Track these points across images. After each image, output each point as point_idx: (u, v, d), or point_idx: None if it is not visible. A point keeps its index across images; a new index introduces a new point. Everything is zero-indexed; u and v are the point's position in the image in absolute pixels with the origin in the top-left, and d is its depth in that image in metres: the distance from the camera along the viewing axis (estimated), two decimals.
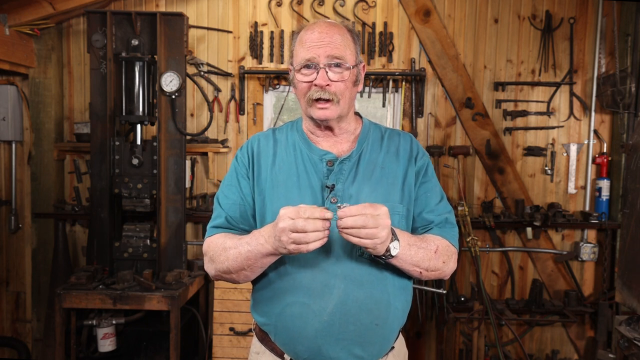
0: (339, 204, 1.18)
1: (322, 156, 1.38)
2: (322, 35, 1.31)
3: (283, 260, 1.32)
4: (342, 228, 1.15)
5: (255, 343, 1.47)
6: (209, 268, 1.38)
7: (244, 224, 1.41)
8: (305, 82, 1.33)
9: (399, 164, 1.40)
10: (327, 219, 1.14)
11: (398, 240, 1.23)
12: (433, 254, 1.31)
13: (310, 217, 1.13)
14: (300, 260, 1.30)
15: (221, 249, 1.33)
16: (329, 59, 1.30)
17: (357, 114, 1.50)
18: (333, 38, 1.32)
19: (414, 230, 1.42)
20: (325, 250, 1.28)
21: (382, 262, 1.31)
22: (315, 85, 1.31)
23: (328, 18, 3.43)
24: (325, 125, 1.38)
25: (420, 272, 1.31)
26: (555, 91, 3.48)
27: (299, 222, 1.13)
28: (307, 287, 1.29)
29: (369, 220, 1.14)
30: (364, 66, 1.43)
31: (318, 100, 1.32)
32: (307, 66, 1.32)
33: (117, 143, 3.06)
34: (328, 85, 1.30)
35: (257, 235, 1.25)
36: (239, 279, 1.34)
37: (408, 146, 1.44)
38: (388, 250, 1.21)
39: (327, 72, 1.30)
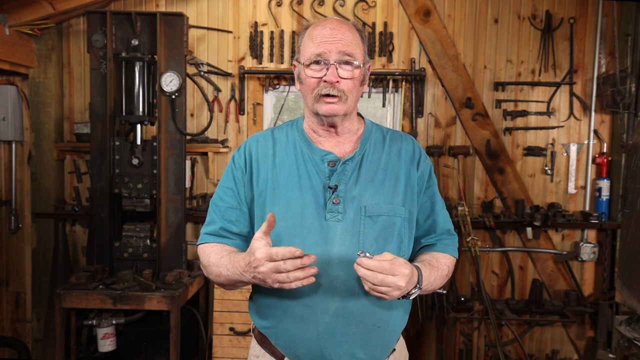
0: (360, 252, 1.17)
1: (324, 156, 1.36)
2: (334, 32, 1.30)
3: None
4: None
5: (254, 346, 1.45)
6: (204, 273, 1.42)
7: (239, 227, 1.40)
8: (314, 77, 1.30)
9: (401, 166, 1.39)
10: (299, 257, 1.12)
11: (421, 288, 1.24)
12: (444, 277, 1.37)
13: (284, 259, 1.12)
14: None
15: (207, 263, 1.37)
16: (340, 55, 1.29)
17: (359, 114, 1.48)
18: (345, 35, 1.31)
19: (417, 238, 1.45)
20: (327, 253, 1.28)
21: None
22: (325, 81, 1.29)
23: (327, 17, 3.44)
24: (329, 123, 1.36)
25: (427, 291, 1.35)
26: (555, 91, 3.48)
27: (280, 265, 1.12)
28: (309, 290, 1.27)
29: (380, 280, 1.14)
30: (369, 67, 1.42)
31: (327, 95, 1.30)
32: (316, 62, 1.30)
33: (117, 143, 3.06)
34: (338, 82, 1.29)
35: (235, 264, 1.25)
36: (228, 289, 1.40)
37: (410, 149, 1.43)
38: (408, 294, 1.23)
39: (337, 68, 1.29)
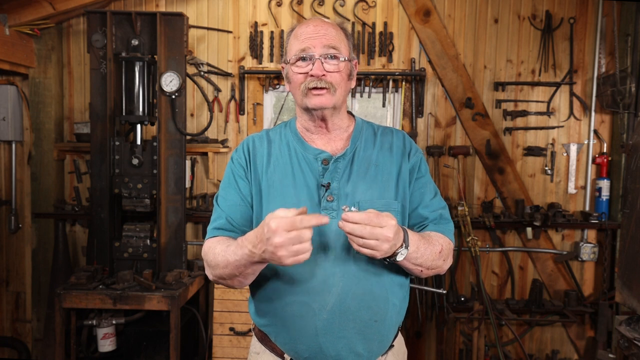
0: (344, 206, 1.16)
1: (317, 155, 1.37)
2: (317, 28, 1.33)
3: None
4: (345, 231, 1.14)
5: (254, 343, 1.47)
6: (208, 272, 1.35)
7: (245, 226, 1.39)
8: (300, 73, 1.32)
9: (393, 161, 1.40)
10: (324, 224, 1.12)
11: (408, 247, 1.23)
12: (437, 255, 1.32)
13: (307, 227, 1.09)
14: None
15: (213, 255, 1.31)
16: (324, 49, 1.31)
17: (349, 113, 1.50)
18: (328, 31, 1.34)
19: (410, 228, 1.42)
20: (324, 247, 1.29)
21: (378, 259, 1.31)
22: (312, 75, 1.31)
23: (328, 18, 3.44)
24: (320, 118, 1.37)
25: (421, 271, 1.32)
26: (555, 91, 3.48)
27: (305, 233, 1.08)
28: (306, 286, 1.29)
29: (368, 232, 1.12)
30: (356, 63, 1.44)
31: (314, 88, 1.31)
32: (302, 58, 1.32)
33: (117, 143, 3.06)
34: (324, 75, 1.31)
35: (243, 244, 1.20)
36: (234, 284, 1.31)
37: (401, 143, 1.44)
38: (395, 254, 1.21)
39: (322, 62, 1.31)
